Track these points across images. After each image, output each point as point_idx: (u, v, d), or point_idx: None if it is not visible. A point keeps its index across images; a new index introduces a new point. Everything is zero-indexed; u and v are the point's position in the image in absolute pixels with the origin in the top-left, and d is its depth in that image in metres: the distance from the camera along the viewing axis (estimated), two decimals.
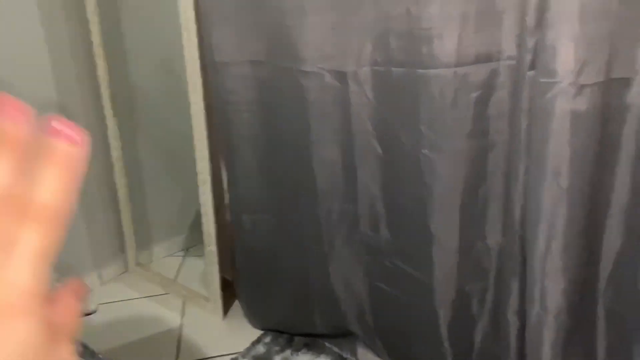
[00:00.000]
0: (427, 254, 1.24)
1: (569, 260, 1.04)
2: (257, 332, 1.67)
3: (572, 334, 1.11)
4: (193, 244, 2.17)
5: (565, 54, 0.90)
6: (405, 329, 1.40)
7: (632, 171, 1.00)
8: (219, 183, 1.60)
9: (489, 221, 1.19)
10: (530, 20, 0.97)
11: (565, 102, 0.92)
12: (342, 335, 1.59)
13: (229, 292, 1.75)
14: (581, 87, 0.92)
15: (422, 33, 1.06)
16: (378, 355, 1.54)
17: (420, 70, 1.09)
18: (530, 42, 0.98)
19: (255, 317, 1.70)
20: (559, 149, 0.97)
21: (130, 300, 1.85)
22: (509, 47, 1.04)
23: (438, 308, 1.28)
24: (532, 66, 0.99)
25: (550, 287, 1.05)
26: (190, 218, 2.12)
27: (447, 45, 1.04)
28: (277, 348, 1.59)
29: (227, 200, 1.59)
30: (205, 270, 1.75)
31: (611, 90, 0.94)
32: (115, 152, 1.84)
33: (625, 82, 0.95)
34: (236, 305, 1.78)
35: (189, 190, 1.97)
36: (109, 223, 1.93)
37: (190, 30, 1.41)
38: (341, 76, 1.20)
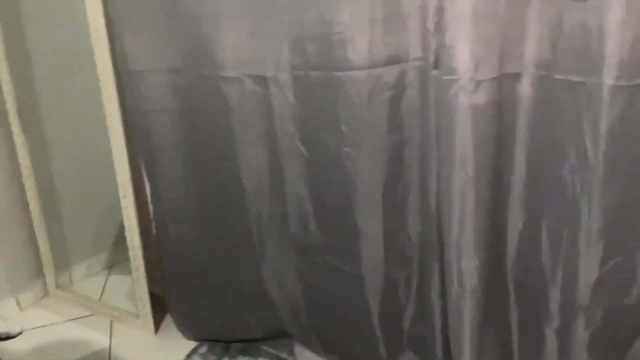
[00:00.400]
0: (355, 248, 1.30)
1: (479, 240, 1.14)
2: (192, 344, 1.65)
3: (488, 308, 1.21)
4: (116, 261, 2.10)
5: (463, 53, 1.00)
6: (339, 322, 1.45)
7: (526, 156, 1.12)
8: (141, 195, 1.57)
9: (409, 211, 1.28)
10: (431, 23, 1.07)
11: (466, 96, 1.02)
12: (279, 336, 1.61)
13: (159, 307, 1.72)
14: (478, 83, 1.02)
15: (336, 37, 1.12)
16: (314, 352, 1.57)
17: (337, 73, 1.15)
18: (432, 44, 1.07)
19: (188, 328, 1.68)
20: (464, 140, 1.07)
21: (53, 324, 1.76)
22: (414, 49, 1.13)
23: (368, 298, 1.35)
24: (436, 65, 1.08)
25: (466, 266, 1.14)
26: (111, 234, 2.05)
27: (359, 48, 1.11)
28: (213, 357, 1.59)
29: (151, 212, 1.56)
30: (132, 287, 1.70)
31: (504, 85, 1.06)
32: (26, 170, 1.75)
33: (516, 77, 1.07)
34: (168, 319, 1.75)
35: (107, 206, 1.91)
36: (24, 245, 1.83)
37: (101, 39, 1.38)
38: (262, 81, 1.24)
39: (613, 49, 0.92)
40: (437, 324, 1.31)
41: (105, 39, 1.37)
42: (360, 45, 1.11)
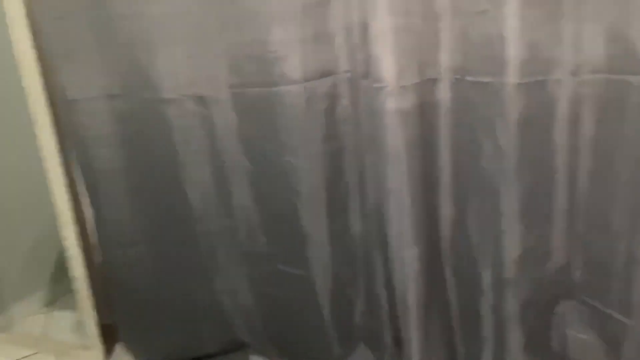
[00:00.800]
0: (303, 251, 1.37)
1: (417, 231, 1.25)
2: None
3: (430, 293, 1.32)
4: (56, 296, 2.03)
5: (388, 63, 1.12)
6: (293, 326, 1.50)
7: (450, 151, 1.25)
8: (81, 223, 1.55)
9: (351, 211, 1.37)
10: (356, 38, 1.18)
11: (394, 101, 1.14)
12: (234, 349, 1.63)
13: (108, 335, 1.69)
14: (403, 89, 1.14)
15: (270, 56, 1.20)
16: (270, 359, 1.62)
17: (274, 89, 1.22)
18: (360, 56, 1.18)
19: (141, 353, 1.66)
20: (395, 141, 1.18)
21: None
22: (343, 62, 1.24)
23: (319, 299, 1.41)
24: (365, 75, 1.19)
25: (407, 256, 1.25)
26: (47, 269, 1.98)
27: (293, 65, 1.20)
28: None
29: (95, 238, 1.55)
30: (76, 319, 1.66)
31: (426, 89, 1.19)
32: None
33: (434, 82, 1.20)
34: (119, 347, 1.71)
35: (40, 240, 1.86)
36: None
37: (31, 70, 1.37)
38: (202, 101, 1.28)
39: (513, 52, 1.07)
40: (385, 313, 1.40)
41: (37, 71, 1.36)
42: (293, 61, 1.19)
